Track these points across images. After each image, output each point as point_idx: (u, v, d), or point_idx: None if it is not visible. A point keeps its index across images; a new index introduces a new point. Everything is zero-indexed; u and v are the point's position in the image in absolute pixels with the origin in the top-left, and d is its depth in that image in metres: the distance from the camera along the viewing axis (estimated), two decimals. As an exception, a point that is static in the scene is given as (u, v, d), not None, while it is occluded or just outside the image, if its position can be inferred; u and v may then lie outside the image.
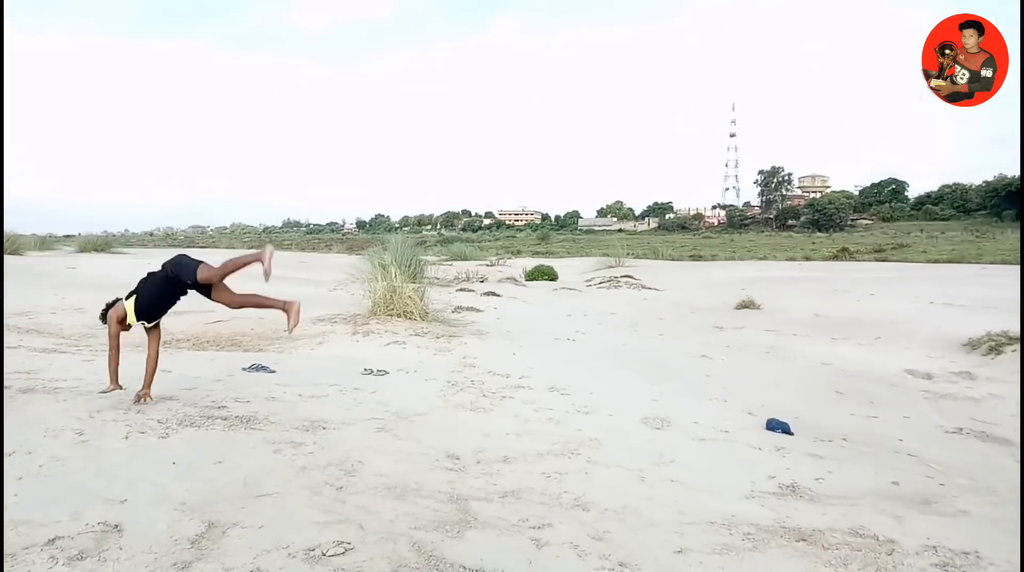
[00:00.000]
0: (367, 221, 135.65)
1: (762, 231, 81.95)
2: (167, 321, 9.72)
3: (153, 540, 2.86)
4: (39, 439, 3.90)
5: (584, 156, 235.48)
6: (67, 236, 43.33)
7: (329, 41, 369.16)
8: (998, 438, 5.84)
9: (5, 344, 7.00)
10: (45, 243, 27.10)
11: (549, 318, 12.67)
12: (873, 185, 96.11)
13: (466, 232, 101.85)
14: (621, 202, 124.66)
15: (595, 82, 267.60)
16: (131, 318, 4.80)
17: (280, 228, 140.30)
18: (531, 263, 28.39)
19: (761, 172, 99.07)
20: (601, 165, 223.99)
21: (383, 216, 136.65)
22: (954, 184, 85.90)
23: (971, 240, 48.30)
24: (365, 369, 6.75)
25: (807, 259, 35.84)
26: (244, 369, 6.34)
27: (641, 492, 3.95)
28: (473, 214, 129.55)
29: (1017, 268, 26.15)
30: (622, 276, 22.43)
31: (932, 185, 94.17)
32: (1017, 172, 73.35)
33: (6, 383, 5.02)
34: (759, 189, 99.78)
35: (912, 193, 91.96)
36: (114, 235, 76.62)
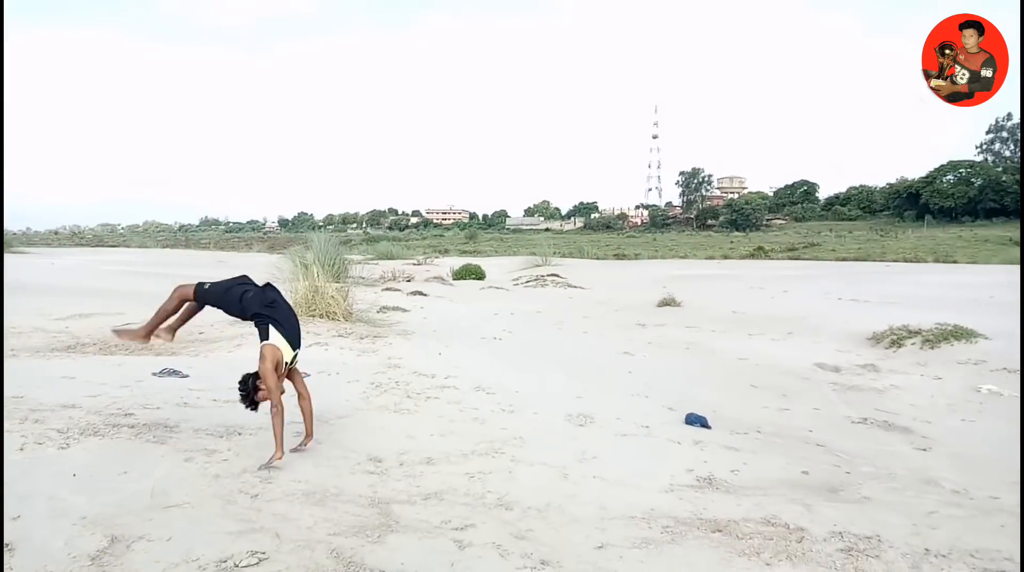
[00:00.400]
0: (290, 219, 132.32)
1: (683, 230, 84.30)
2: (72, 324, 9.22)
3: (49, 558, 2.69)
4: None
5: (512, 155, 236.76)
6: None
7: (251, 35, 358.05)
8: (899, 427, 6.18)
9: None
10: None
11: (476, 317, 12.65)
12: (786, 186, 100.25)
13: (393, 231, 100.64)
14: (548, 202, 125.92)
15: (523, 82, 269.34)
16: (287, 355, 4.15)
17: (197, 226, 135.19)
18: (459, 262, 28.31)
19: (682, 173, 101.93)
20: (529, 165, 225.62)
21: (306, 214, 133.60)
22: (860, 186, 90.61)
23: (876, 239, 51.03)
24: (285, 372, 6.54)
25: (725, 257, 37.07)
26: (154, 374, 6.06)
27: (564, 489, 3.98)
28: (400, 212, 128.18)
29: (908, 264, 27.86)
30: (548, 275, 22.64)
31: (840, 187, 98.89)
32: (915, 174, 77.99)
33: None
34: (680, 190, 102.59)
35: (822, 194, 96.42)
36: (14, 234, 72.01)
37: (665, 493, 4.01)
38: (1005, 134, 78.88)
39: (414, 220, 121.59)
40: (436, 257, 36.55)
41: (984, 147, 79.87)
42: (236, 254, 43.85)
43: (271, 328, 4.10)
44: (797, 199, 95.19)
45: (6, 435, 4.01)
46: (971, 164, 74.51)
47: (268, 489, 3.58)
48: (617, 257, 39.94)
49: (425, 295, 16.06)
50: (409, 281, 19.93)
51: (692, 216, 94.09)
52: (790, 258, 35.50)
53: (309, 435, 4.26)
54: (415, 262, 30.52)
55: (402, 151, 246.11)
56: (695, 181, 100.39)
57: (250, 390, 4.07)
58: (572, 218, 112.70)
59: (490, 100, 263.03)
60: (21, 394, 4.65)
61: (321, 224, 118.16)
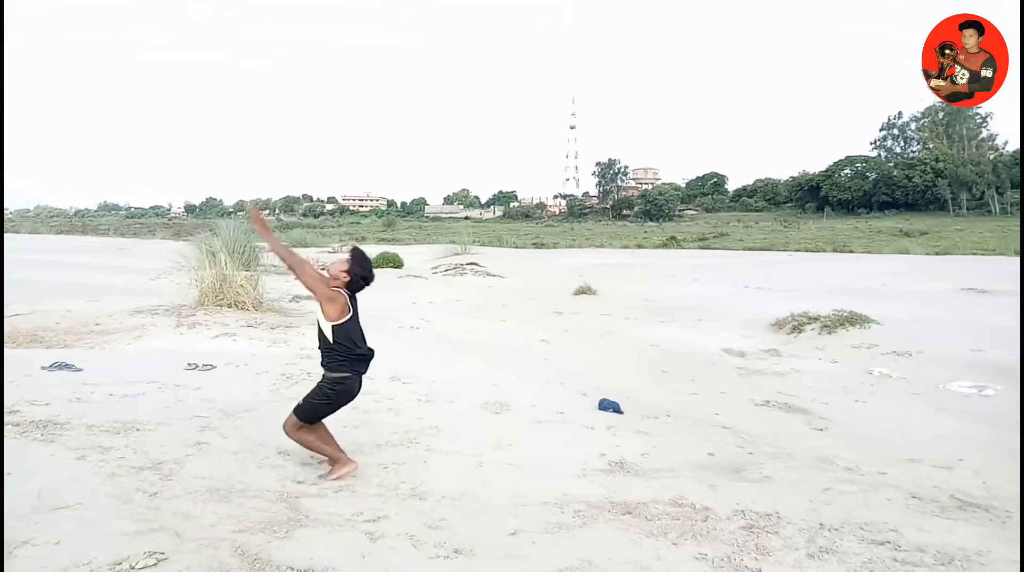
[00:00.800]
0: (197, 205, 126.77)
1: (600, 220, 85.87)
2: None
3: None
4: None
5: (431, 143, 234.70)
6: None
7: (152, 9, 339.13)
8: (798, 409, 6.51)
9: None
10: None
11: (393, 306, 12.48)
12: (697, 178, 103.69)
13: (307, 218, 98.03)
14: (468, 190, 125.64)
15: (443, 70, 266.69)
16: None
17: (95, 211, 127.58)
18: (376, 250, 27.84)
19: (599, 164, 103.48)
20: (448, 152, 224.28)
21: (215, 200, 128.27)
22: (766, 179, 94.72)
23: (780, 229, 53.46)
24: (189, 364, 6.27)
25: (640, 247, 38.01)
26: (44, 368, 5.67)
27: (479, 477, 3.98)
28: (315, 199, 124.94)
29: (761, 253, 29.40)
30: (468, 263, 22.59)
31: (748, 179, 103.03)
32: (816, 169, 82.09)
33: None
34: (597, 180, 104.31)
35: (731, 186, 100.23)
36: None
37: (578, 478, 4.08)
38: (896, 131, 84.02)
39: (330, 207, 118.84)
40: (352, 245, 35.82)
41: (878, 143, 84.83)
42: (139, 241, 41.68)
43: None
44: (707, 190, 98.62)
45: None
46: (866, 159, 79.12)
47: (168, 487, 3.41)
48: (536, 246, 40.28)
49: (341, 284, 15.71)
50: (324, 270, 19.44)
51: (608, 206, 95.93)
52: (701, 248, 36.74)
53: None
54: (331, 250, 29.84)
55: (318, 136, 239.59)
56: (611, 172, 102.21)
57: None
58: (492, 207, 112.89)
59: (409, 86, 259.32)
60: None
61: (231, 210, 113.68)
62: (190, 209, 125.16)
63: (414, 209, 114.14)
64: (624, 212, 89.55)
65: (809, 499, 3.88)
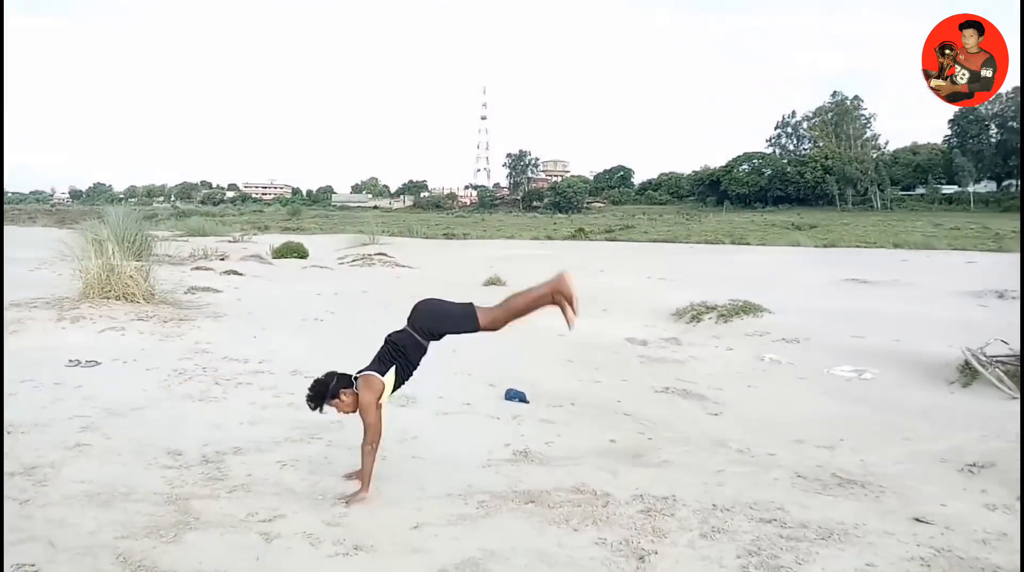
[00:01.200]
0: (83, 191, 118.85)
1: (510, 211, 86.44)
2: None
3: None
4: None
5: (339, 130, 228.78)
6: None
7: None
8: (696, 395, 6.77)
9: None
10: None
11: (297, 298, 12.12)
12: (605, 171, 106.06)
13: (206, 205, 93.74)
14: (377, 179, 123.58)
15: (351, 55, 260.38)
16: (386, 396, 3.73)
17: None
18: (280, 240, 26.95)
19: (509, 155, 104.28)
20: (356, 140, 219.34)
21: (103, 185, 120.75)
22: (670, 173, 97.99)
23: (682, 222, 55.43)
24: (71, 360, 5.88)
25: (549, 238, 38.49)
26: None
27: (382, 471, 3.92)
28: (214, 186, 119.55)
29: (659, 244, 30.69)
30: (376, 254, 22.21)
31: (653, 173, 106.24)
32: (716, 164, 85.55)
33: None
34: (508, 171, 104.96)
35: (637, 180, 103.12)
36: None
37: (483, 469, 4.09)
38: (790, 130, 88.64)
39: (230, 194, 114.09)
40: (255, 234, 34.50)
41: (773, 141, 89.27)
42: (16, 228, 38.69)
43: (393, 367, 3.75)
44: (614, 183, 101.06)
45: None
46: (762, 156, 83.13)
47: (42, 493, 3.19)
48: (447, 236, 40.08)
49: (241, 274, 15.12)
50: (223, 259, 18.64)
51: (519, 198, 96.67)
52: (608, 239, 37.57)
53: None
54: (231, 239, 28.62)
55: (218, 120, 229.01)
56: (522, 163, 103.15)
57: (328, 394, 3.66)
58: (401, 196, 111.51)
59: (317, 70, 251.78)
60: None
61: (122, 197, 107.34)
62: (76, 195, 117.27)
63: (321, 198, 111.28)
64: (534, 204, 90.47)
65: (703, 481, 4.04)
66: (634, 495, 3.74)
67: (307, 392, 3.75)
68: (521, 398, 5.87)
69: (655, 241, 35.55)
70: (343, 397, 3.69)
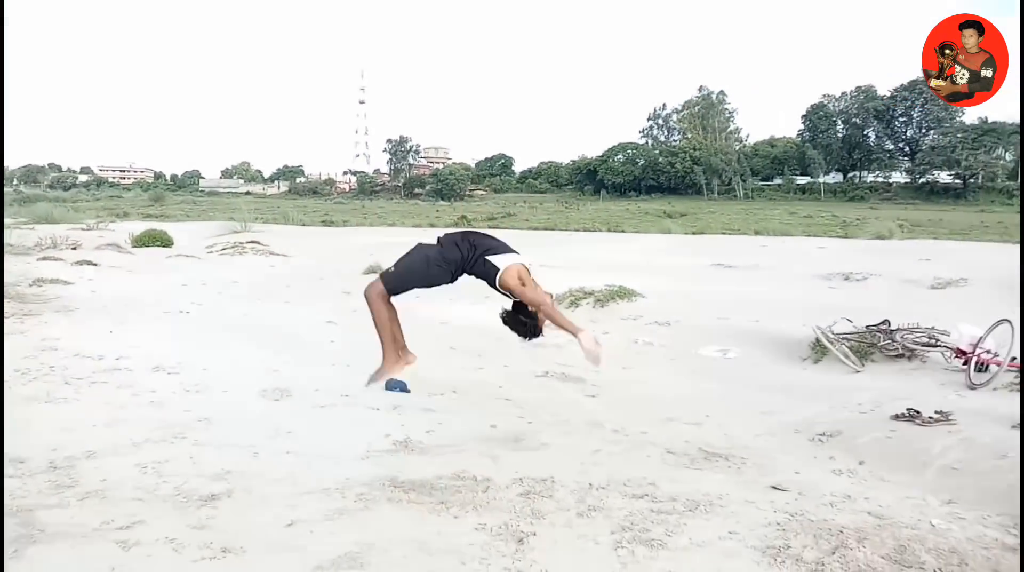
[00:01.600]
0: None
1: (391, 198, 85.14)
2: None
3: None
4: None
5: (207, 112, 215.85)
6: None
7: None
8: (574, 378, 6.96)
9: None
10: None
11: (160, 289, 11.37)
12: (487, 159, 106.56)
13: (55, 190, 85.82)
14: (249, 163, 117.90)
15: (220, 33, 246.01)
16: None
17: None
18: (141, 227, 25.14)
19: (390, 141, 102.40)
20: (226, 122, 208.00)
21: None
22: (549, 162, 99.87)
23: (561, 210, 56.72)
24: None
25: (432, 226, 38.20)
26: None
27: (253, 469, 3.75)
28: (64, 169, 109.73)
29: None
30: (248, 242, 21.20)
31: (533, 162, 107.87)
32: (593, 154, 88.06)
33: None
34: (388, 157, 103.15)
35: (518, 168, 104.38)
36: None
37: (361, 461, 4.00)
38: (661, 121, 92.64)
39: (83, 178, 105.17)
40: (112, 221, 31.98)
41: (646, 132, 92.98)
42: None
43: (494, 255, 3.99)
44: (496, 171, 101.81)
45: None
46: (636, 146, 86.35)
47: None
48: (325, 224, 38.88)
49: (95, 265, 14.00)
50: (75, 249, 17.17)
51: (400, 184, 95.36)
52: (490, 227, 37.75)
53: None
54: (84, 227, 26.38)
55: (68, 97, 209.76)
56: (403, 150, 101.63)
57: (529, 322, 4.01)
58: (276, 182, 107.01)
59: (180, 47, 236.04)
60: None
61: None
62: None
63: (187, 183, 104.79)
64: (416, 191, 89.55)
65: (580, 461, 4.15)
66: (514, 479, 3.79)
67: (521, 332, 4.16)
68: (402, 388, 5.79)
69: (536, 229, 36.14)
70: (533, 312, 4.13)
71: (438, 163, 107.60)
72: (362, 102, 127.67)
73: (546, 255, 18.47)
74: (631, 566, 2.83)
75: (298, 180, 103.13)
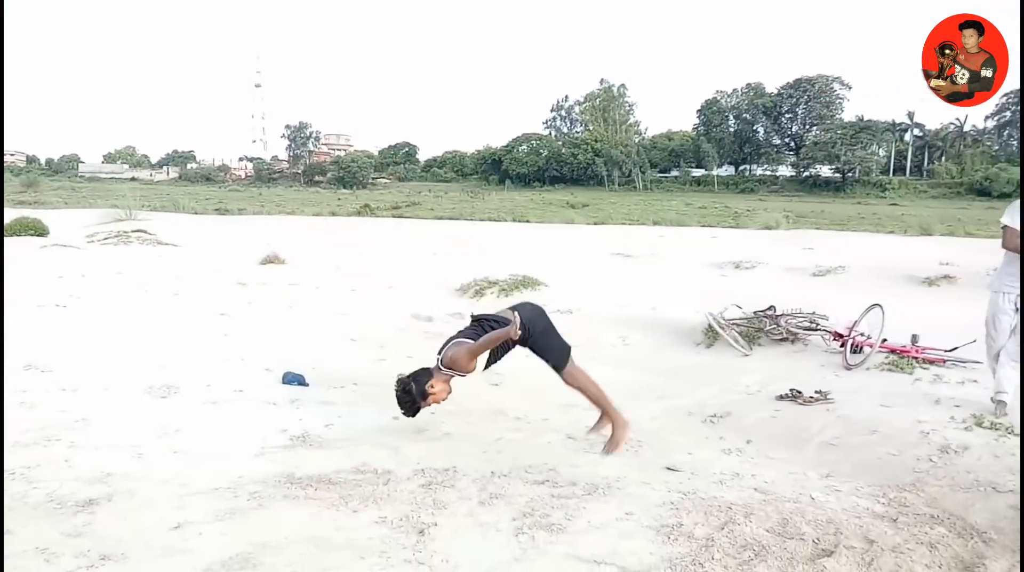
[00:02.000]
0: None
1: (291, 186, 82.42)
2: None
3: None
4: None
5: (87, 92, 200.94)
6: None
7: None
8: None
9: None
10: None
11: (34, 281, 10.52)
12: (390, 147, 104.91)
13: (-91, 174, 77.83)
14: (134, 148, 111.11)
15: (102, 7, 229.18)
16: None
17: None
18: (13, 215, 23.18)
19: (288, 127, 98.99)
20: (108, 105, 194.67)
21: None
22: (454, 151, 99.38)
23: (467, 200, 56.55)
24: None
25: (333, 214, 37.25)
26: None
27: (137, 471, 3.55)
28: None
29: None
30: (134, 231, 19.94)
31: (438, 151, 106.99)
32: (498, 144, 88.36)
33: None
34: (288, 143, 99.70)
35: (422, 157, 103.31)
36: None
37: (255, 458, 3.86)
38: (564, 113, 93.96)
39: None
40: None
41: (549, 123, 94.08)
42: None
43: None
44: (400, 160, 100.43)
45: None
46: (540, 137, 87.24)
47: None
48: (219, 212, 37.11)
49: (-43, 256, 12.79)
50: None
51: (300, 171, 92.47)
52: (395, 216, 37.23)
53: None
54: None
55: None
56: (302, 136, 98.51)
57: (418, 398, 3.95)
58: (165, 168, 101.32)
59: (58, 24, 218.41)
60: None
61: None
62: None
63: (64, 167, 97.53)
64: (316, 178, 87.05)
65: (483, 450, 4.17)
66: (416, 470, 3.76)
67: (400, 410, 4.02)
68: (300, 381, 5.63)
69: (441, 218, 35.88)
70: (433, 388, 3.98)
71: (339, 150, 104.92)
72: (258, 86, 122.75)
73: (451, 245, 18.42)
74: (531, 551, 2.87)
75: (189, 166, 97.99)
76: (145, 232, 19.81)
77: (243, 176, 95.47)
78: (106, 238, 18.64)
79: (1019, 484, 3.46)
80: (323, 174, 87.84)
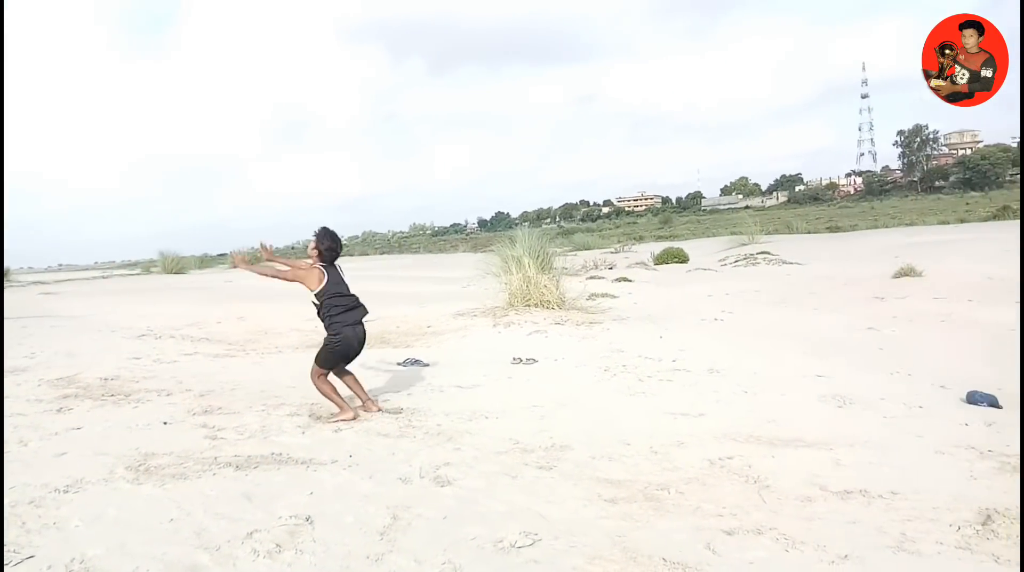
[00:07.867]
0: (488, 219, 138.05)
1: (906, 195, 75.87)
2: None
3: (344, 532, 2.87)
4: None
5: (694, 131, 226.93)
6: (221, 255, 46.64)
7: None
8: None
9: (182, 351, 7.54)
10: (204, 262, 29.85)
11: (688, 299, 12.19)
12: None
13: (585, 222, 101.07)
14: (746, 178, 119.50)
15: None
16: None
17: (406, 233, 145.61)
18: (657, 247, 27.66)
19: (900, 133, 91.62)
20: (723, 141, 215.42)
21: (503, 213, 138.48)
22: None
23: None
24: (514, 358, 6.69)
25: (962, 221, 32.69)
26: (399, 364, 6.46)
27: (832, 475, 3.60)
28: (591, 203, 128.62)
29: None
30: (759, 253, 21.33)
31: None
32: None
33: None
34: (900, 151, 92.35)
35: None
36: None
37: (970, 481, 3.48)
38: None
39: (605, 210, 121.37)
40: (632, 244, 36.02)
41: None
42: (445, 255, 46.60)
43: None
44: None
45: (288, 418, 4.44)
46: None
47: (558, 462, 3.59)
48: (831, 230, 36.82)
49: (630, 281, 15.83)
50: (611, 269, 19.78)
51: (916, 179, 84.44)
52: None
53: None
54: (613, 250, 30.33)
55: (586, 139, 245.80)
56: (917, 140, 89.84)
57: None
58: (774, 193, 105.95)
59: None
60: (293, 385, 5.15)
61: (517, 222, 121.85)
62: (482, 223, 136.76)
63: (689, 203, 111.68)
64: (937, 183, 78.04)
65: None
66: None
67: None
68: (990, 402, 4.91)
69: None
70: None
71: (964, 149, 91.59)
72: (864, 96, 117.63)
73: None
74: None
75: (797, 189, 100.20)
76: (768, 253, 20.95)
77: (852, 191, 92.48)
78: (736, 261, 20.41)
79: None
80: (945, 178, 78.25)
